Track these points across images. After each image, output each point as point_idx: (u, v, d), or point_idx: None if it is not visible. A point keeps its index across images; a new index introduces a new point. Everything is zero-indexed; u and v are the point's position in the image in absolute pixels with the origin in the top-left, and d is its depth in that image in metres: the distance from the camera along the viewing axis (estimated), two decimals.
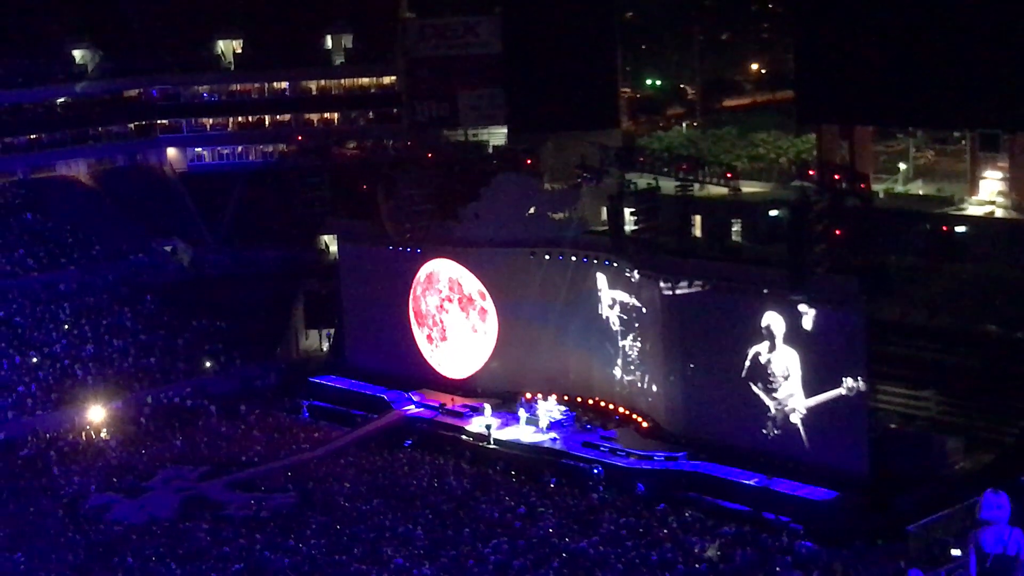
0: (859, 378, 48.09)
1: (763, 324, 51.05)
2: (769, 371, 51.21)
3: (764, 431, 51.49)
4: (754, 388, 51.70)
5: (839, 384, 48.73)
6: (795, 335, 50.20)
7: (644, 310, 57.15)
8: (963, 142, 61.85)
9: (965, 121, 58.40)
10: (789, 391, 50.60)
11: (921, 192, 62.10)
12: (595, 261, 59.83)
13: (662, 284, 54.50)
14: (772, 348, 50.96)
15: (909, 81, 57.06)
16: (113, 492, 55.87)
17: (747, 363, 51.83)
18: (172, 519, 52.20)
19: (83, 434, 63.11)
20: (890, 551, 39.85)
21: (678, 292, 53.94)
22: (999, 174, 58.64)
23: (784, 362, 50.67)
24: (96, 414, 64.36)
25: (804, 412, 50.11)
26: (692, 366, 54.45)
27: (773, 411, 51.19)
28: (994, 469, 44.66)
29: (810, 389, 49.97)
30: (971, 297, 53.26)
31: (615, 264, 58.58)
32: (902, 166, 64.30)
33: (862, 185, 58.85)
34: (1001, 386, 49.23)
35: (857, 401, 48.60)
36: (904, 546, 37.51)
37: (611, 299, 59.15)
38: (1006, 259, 54.27)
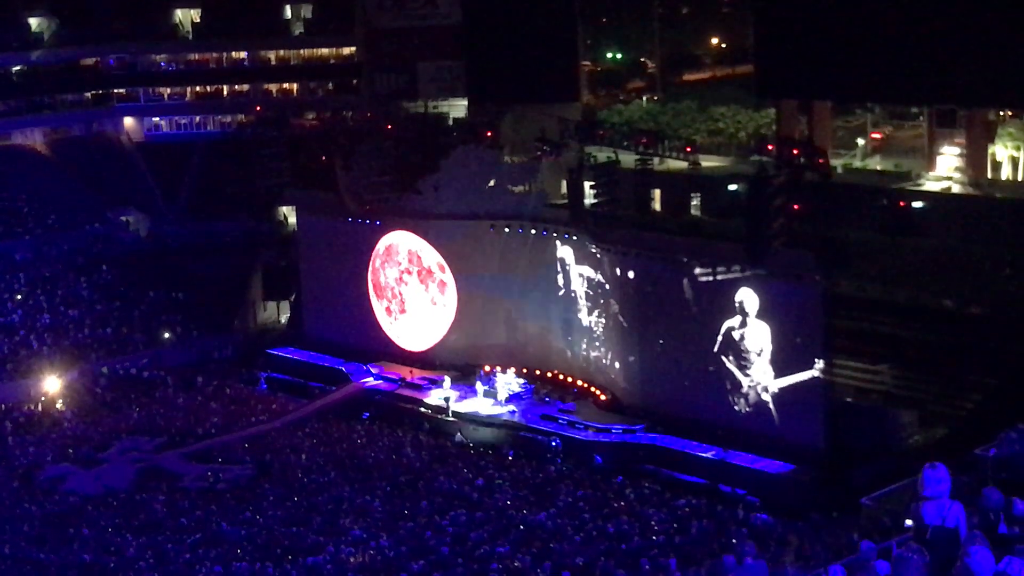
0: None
1: (736, 300, 51.07)
2: (742, 347, 51.23)
3: (733, 405, 51.53)
4: (727, 364, 51.66)
5: (797, 358, 49.04)
6: (766, 310, 50.25)
7: (606, 285, 57.23)
8: (920, 118, 62.21)
9: (923, 97, 58.73)
10: (762, 368, 50.64)
11: (879, 167, 62.45)
12: (556, 235, 59.82)
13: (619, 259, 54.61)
14: (744, 324, 50.98)
15: (867, 57, 57.29)
16: (69, 463, 55.56)
17: (719, 338, 51.79)
18: (128, 490, 51.99)
19: (38, 405, 62.68)
20: (845, 523, 40.15)
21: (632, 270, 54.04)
22: (956, 150, 59.04)
23: (757, 338, 50.68)
24: (51, 385, 63.95)
25: (776, 390, 50.20)
26: (661, 342, 54.46)
27: (745, 388, 51.19)
28: (948, 443, 45.06)
29: (772, 363, 50.23)
30: (927, 272, 53.65)
31: (574, 237, 58.62)
32: (860, 141, 64.62)
33: (820, 160, 59.08)
34: (955, 360, 49.66)
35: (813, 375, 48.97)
36: (858, 518, 37.81)
37: (578, 273, 59.18)
38: (962, 234, 54.69)
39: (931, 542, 15.07)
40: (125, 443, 57.73)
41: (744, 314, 50.78)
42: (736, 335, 51.19)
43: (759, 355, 50.46)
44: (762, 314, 50.28)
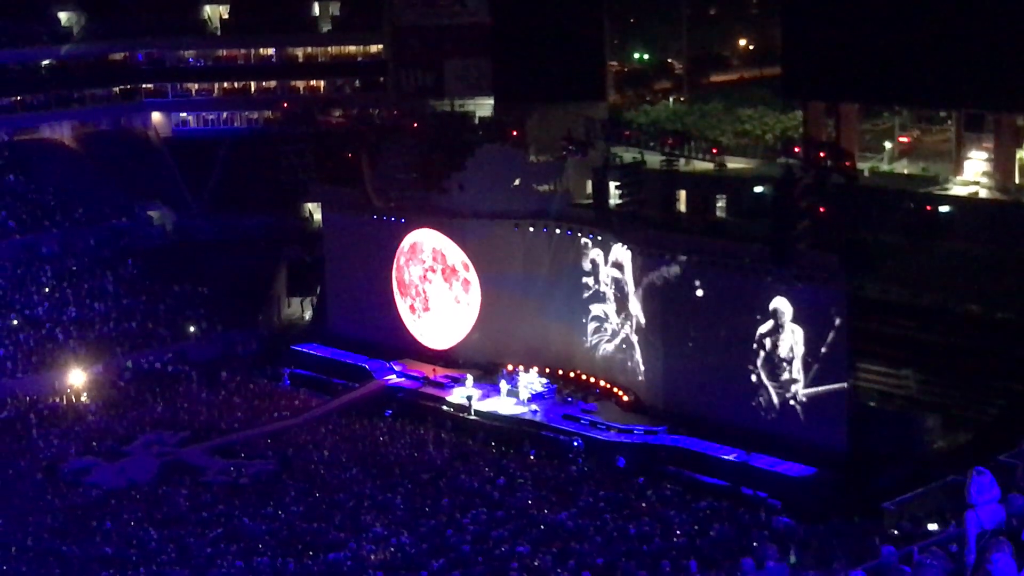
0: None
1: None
2: (770, 351, 50.96)
3: (756, 408, 51.31)
4: (754, 367, 51.41)
5: (822, 361, 48.90)
6: (791, 313, 50.04)
7: (630, 285, 57.15)
8: (949, 122, 61.90)
9: (951, 100, 58.43)
10: (789, 373, 50.43)
11: (906, 171, 62.14)
12: (581, 235, 59.75)
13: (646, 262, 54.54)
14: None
15: (896, 60, 57.02)
16: (92, 456, 55.85)
17: (747, 341, 51.58)
18: (151, 484, 52.23)
19: (63, 398, 63.04)
20: (866, 528, 40.03)
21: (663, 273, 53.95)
22: (984, 154, 58.69)
23: (786, 342, 50.43)
24: (76, 378, 64.28)
25: (804, 399, 49.99)
26: (686, 344, 54.29)
27: (771, 391, 51.01)
28: (972, 448, 44.85)
29: (798, 367, 50.08)
30: (953, 276, 53.35)
31: (599, 237, 58.57)
32: (887, 145, 64.34)
33: (847, 163, 58.86)
34: (980, 366, 49.39)
35: (837, 378, 48.75)
36: (880, 523, 37.72)
37: (601, 273, 59.09)
38: (989, 239, 54.37)
39: (985, 547, 14.94)
40: (149, 437, 57.98)
41: (774, 318, 50.61)
42: (765, 339, 51.02)
43: (787, 359, 50.30)
44: (789, 317, 50.12)
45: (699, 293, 52.94)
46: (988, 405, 48.51)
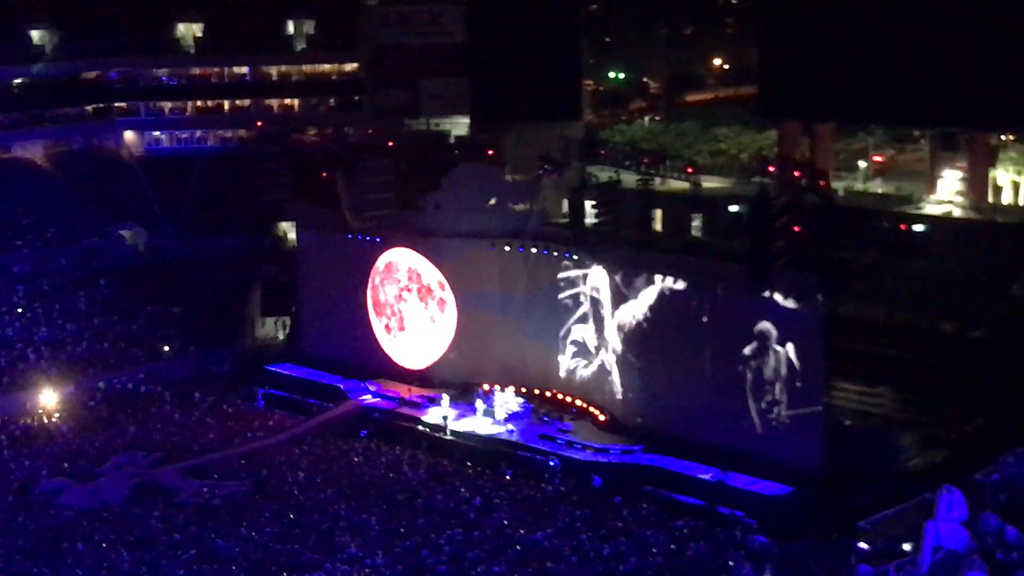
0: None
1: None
2: (750, 371, 50.93)
3: (732, 426, 51.18)
4: (732, 386, 51.36)
5: (799, 380, 48.89)
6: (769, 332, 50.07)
7: (605, 304, 57.10)
8: (922, 141, 62.21)
9: (924, 120, 58.73)
10: (767, 393, 50.42)
11: (880, 190, 62.40)
12: (557, 254, 59.67)
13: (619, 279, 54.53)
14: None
15: (870, 80, 57.31)
16: (64, 477, 55.31)
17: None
18: (123, 505, 51.77)
19: (35, 418, 62.48)
20: (843, 546, 39.98)
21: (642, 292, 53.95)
22: (957, 173, 59.02)
23: (768, 363, 50.41)
24: (48, 398, 63.77)
25: (786, 419, 49.96)
26: (660, 363, 54.20)
27: (749, 410, 50.95)
28: (947, 466, 44.87)
29: (766, 383, 50.06)
30: (928, 295, 53.51)
31: (575, 256, 58.52)
32: (862, 164, 64.60)
33: (822, 182, 59.11)
34: (956, 384, 49.48)
35: (812, 397, 48.76)
36: (856, 542, 37.64)
37: (578, 292, 58.99)
38: (963, 258, 54.57)
39: (939, 564, 14.95)
40: (121, 458, 57.47)
41: (757, 339, 50.54)
42: (746, 359, 50.97)
43: (767, 380, 50.26)
44: (771, 338, 50.12)
45: (688, 315, 52.81)
46: (964, 423, 48.58)
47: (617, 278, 55.67)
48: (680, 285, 53.29)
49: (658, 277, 54.06)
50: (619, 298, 55.81)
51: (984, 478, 22.73)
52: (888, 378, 51.14)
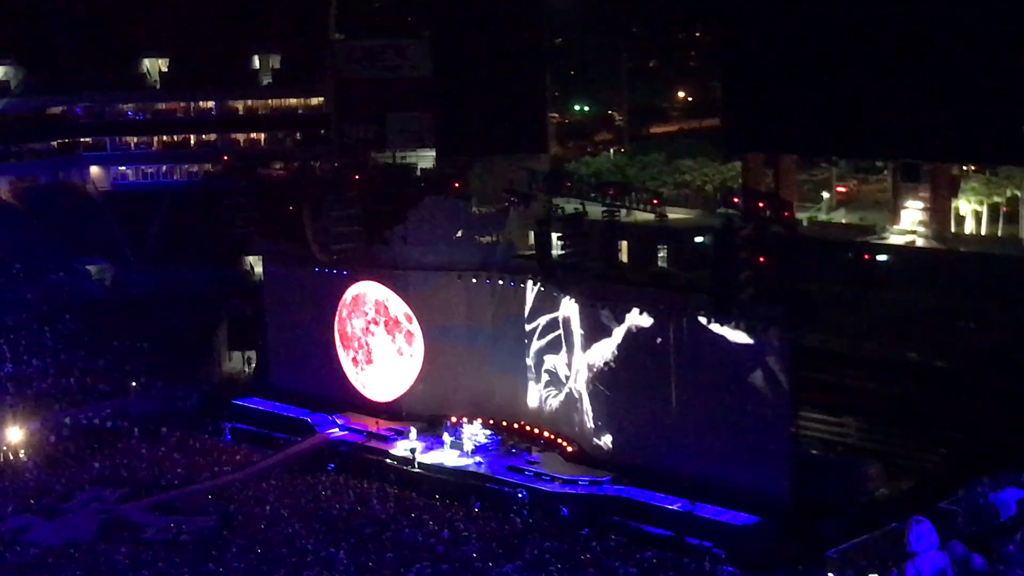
0: None
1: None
2: (709, 399, 51.15)
3: (699, 456, 51.40)
4: (692, 415, 51.51)
5: (765, 411, 49.16)
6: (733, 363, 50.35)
7: (572, 335, 57.28)
8: (885, 172, 62.76)
9: (887, 151, 59.27)
10: (726, 420, 50.57)
11: (844, 220, 62.88)
12: (524, 286, 59.83)
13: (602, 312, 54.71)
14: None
15: (833, 112, 57.82)
16: (30, 514, 54.91)
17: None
18: (90, 542, 51.42)
19: (0, 455, 62.01)
20: None
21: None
22: (920, 204, 59.58)
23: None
24: (14, 435, 63.26)
25: (742, 443, 50.07)
26: (628, 393, 54.43)
27: (710, 440, 51.07)
28: (914, 495, 45.14)
29: (733, 413, 50.30)
30: (892, 325, 53.92)
31: (542, 288, 58.70)
32: (825, 195, 65.11)
33: (786, 213, 59.52)
34: (921, 413, 49.84)
35: (779, 427, 49.02)
36: (824, 571, 37.73)
37: (544, 324, 59.14)
38: (927, 288, 55.02)
39: None
40: (87, 494, 57.10)
41: (722, 369, 50.76)
42: (712, 389, 51.20)
43: (733, 409, 50.47)
44: (729, 367, 50.38)
45: (654, 345, 53.03)
46: (929, 453, 48.92)
47: (585, 309, 55.82)
48: (646, 316, 53.49)
49: (624, 308, 54.26)
50: (584, 328, 55.97)
51: (950, 507, 22.93)
52: (854, 408, 51.45)
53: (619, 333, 54.59)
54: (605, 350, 55.27)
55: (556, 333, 58.41)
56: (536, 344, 59.66)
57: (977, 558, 16.15)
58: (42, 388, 68.36)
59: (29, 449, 62.76)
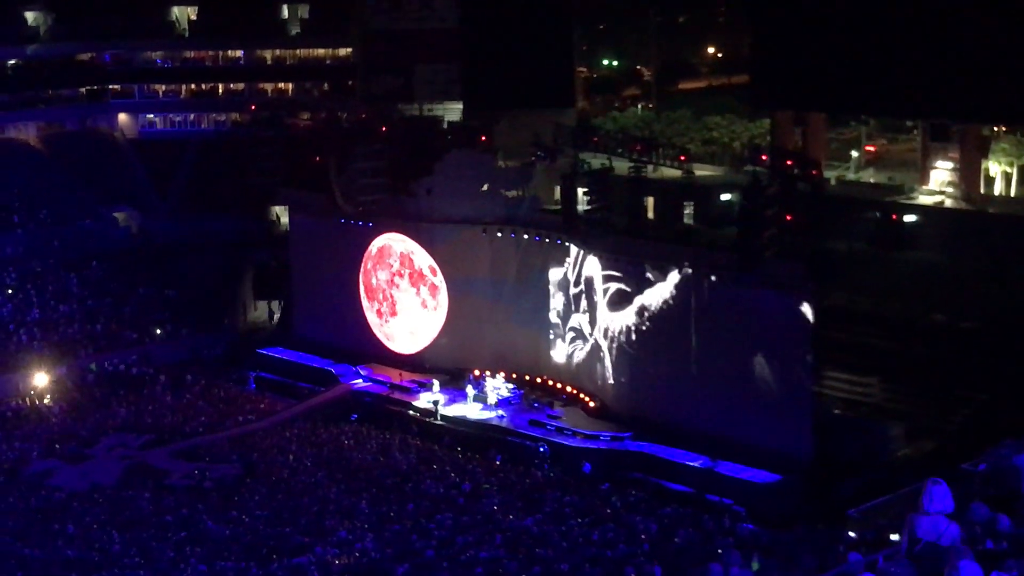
0: None
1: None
2: (734, 358, 51.07)
3: (722, 414, 51.42)
4: (718, 373, 51.53)
5: (788, 369, 49.06)
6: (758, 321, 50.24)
7: (596, 291, 57.23)
8: (915, 131, 62.24)
9: (917, 111, 58.73)
10: (765, 386, 50.58)
11: (872, 180, 62.44)
12: (549, 240, 59.77)
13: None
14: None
15: (863, 70, 57.26)
16: (55, 458, 55.47)
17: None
18: (114, 487, 51.95)
19: (26, 400, 62.56)
20: (831, 535, 40.13)
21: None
22: (949, 164, 59.04)
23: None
24: (40, 380, 63.83)
25: (766, 401, 50.05)
26: (651, 349, 54.40)
27: (735, 397, 51.04)
28: (936, 456, 45.08)
29: (756, 371, 50.26)
30: (918, 286, 53.62)
31: (567, 243, 58.62)
32: (854, 154, 64.63)
33: (814, 171, 59.01)
34: (945, 375, 49.68)
35: (802, 386, 48.97)
36: (845, 530, 37.78)
37: (569, 279, 59.11)
38: (954, 249, 54.69)
39: (920, 556, 15.08)
40: (112, 439, 57.65)
41: (746, 326, 50.68)
42: (736, 347, 51.12)
43: (757, 368, 50.43)
44: (755, 326, 50.29)
45: (678, 303, 52.96)
46: (952, 414, 48.78)
47: (609, 264, 55.73)
48: (671, 272, 53.39)
49: (649, 264, 54.17)
50: (608, 283, 55.88)
51: (972, 468, 22.83)
52: (878, 368, 51.31)
53: (643, 290, 54.51)
54: (629, 307, 55.21)
55: (579, 289, 58.42)
56: (560, 299, 59.66)
57: (1004, 519, 16.08)
58: (68, 334, 68.75)
59: (55, 394, 63.36)
